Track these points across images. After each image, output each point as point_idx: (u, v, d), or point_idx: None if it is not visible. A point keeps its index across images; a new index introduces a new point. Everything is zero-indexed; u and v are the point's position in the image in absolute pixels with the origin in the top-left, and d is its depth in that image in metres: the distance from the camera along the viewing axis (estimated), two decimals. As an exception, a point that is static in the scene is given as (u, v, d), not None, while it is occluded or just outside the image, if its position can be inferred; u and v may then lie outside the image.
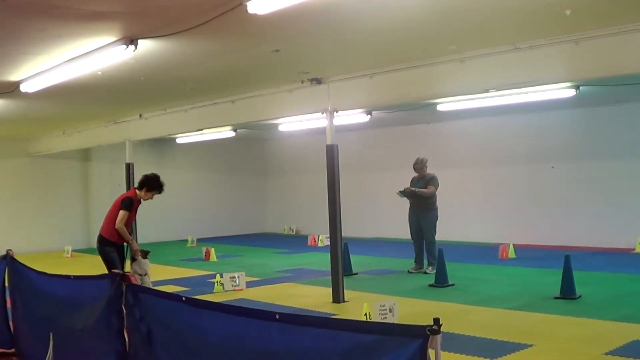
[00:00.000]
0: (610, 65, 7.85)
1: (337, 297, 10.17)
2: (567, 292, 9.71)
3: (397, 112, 15.48)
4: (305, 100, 11.18)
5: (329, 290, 10.37)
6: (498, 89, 9.78)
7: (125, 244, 9.13)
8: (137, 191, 9.23)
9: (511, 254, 14.49)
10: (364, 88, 10.38)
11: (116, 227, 8.85)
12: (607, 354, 6.73)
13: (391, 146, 19.84)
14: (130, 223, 9.12)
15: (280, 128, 17.95)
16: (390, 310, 8.38)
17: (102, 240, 9.09)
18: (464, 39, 8.35)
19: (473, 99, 12.71)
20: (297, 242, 20.03)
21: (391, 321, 8.08)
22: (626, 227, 15.10)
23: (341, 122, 13.59)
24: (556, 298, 9.71)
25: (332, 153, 10.37)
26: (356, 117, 15.32)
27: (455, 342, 7.30)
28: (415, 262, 12.99)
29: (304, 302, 10.15)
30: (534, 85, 9.92)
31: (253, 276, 12.79)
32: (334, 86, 10.66)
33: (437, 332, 2.82)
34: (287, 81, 11.07)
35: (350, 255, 12.98)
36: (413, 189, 12.81)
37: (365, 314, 8.35)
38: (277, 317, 3.53)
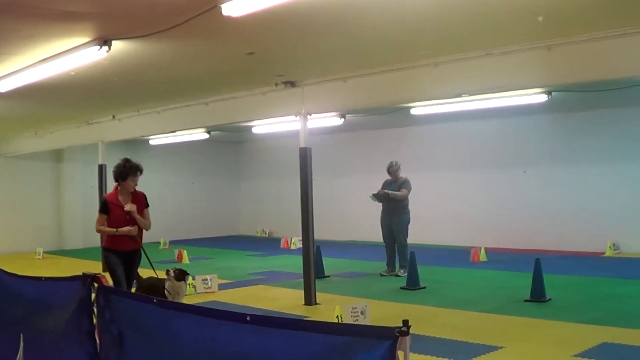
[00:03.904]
0: (582, 71, 7.95)
1: (309, 300, 10.19)
2: (537, 295, 9.81)
3: (370, 116, 15.53)
4: (279, 103, 11.19)
5: (301, 293, 10.39)
6: (471, 94, 9.87)
7: (139, 249, 8.74)
8: (118, 187, 8.34)
9: (482, 257, 14.58)
10: (338, 92, 10.40)
11: (96, 230, 8.38)
12: (576, 356, 6.80)
13: (364, 149, 19.89)
14: (126, 223, 8.32)
15: (254, 130, 17.94)
16: (362, 313, 8.40)
17: (103, 248, 8.56)
18: (437, 44, 8.41)
19: (446, 103, 12.80)
20: (269, 244, 20.00)
21: (363, 323, 8.10)
22: (596, 231, 15.28)
23: (315, 125, 13.61)
24: (526, 301, 9.80)
25: (305, 156, 10.39)
26: (330, 120, 15.35)
27: (426, 344, 7.34)
28: (387, 265, 13.03)
29: (276, 305, 10.15)
30: (507, 91, 10.05)
31: (225, 278, 12.75)
32: (308, 89, 10.68)
33: (406, 333, 2.84)
34: (261, 84, 11.07)
35: (323, 258, 13.02)
36: (386, 191, 12.84)
37: (337, 317, 8.36)
38: (248, 319, 3.52)
